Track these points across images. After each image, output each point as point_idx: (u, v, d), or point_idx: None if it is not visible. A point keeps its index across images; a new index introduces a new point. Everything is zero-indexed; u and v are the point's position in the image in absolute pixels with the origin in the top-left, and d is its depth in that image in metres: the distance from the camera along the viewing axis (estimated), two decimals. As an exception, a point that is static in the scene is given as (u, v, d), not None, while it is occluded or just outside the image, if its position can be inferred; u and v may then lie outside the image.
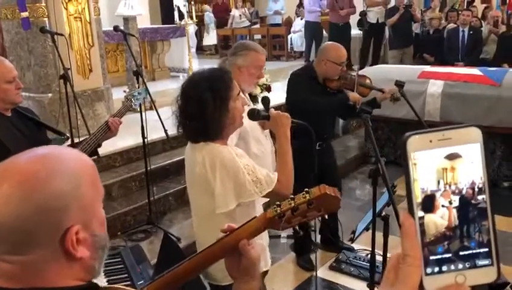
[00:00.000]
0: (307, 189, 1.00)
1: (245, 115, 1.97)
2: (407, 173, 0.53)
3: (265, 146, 2.47)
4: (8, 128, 2.14)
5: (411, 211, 0.53)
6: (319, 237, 3.75)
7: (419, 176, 0.53)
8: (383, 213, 2.24)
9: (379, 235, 2.45)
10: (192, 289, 1.79)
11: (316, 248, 3.72)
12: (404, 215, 0.53)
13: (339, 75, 3.35)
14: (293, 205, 0.99)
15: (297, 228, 1.05)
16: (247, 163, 1.81)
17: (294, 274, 3.54)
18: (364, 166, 5.53)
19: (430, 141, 0.53)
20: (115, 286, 0.94)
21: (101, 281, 1.85)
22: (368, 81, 3.52)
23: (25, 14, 3.96)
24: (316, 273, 2.68)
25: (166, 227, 3.87)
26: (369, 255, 3.49)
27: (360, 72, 4.21)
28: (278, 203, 1.02)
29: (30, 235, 0.74)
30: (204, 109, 1.76)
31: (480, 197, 0.53)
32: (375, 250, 2.51)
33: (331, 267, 3.47)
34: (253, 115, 1.99)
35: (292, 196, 1.01)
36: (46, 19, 4.39)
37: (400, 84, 2.97)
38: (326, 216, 1.06)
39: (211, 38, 12.98)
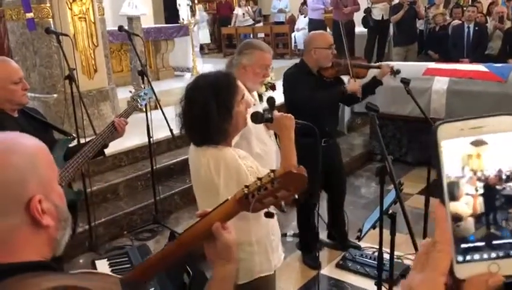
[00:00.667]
0: (273, 168, 1.03)
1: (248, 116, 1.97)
2: (437, 162, 0.53)
3: (269, 146, 2.46)
4: (15, 129, 2.14)
5: (442, 199, 0.53)
6: (325, 234, 3.76)
7: (446, 164, 0.53)
8: (390, 211, 2.23)
9: (386, 233, 2.44)
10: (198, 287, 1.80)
11: (322, 245, 3.73)
12: (435, 203, 0.54)
13: (332, 62, 3.31)
14: (259, 184, 1.01)
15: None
16: (251, 165, 1.81)
17: (300, 272, 3.53)
18: (369, 164, 5.52)
19: (461, 130, 0.53)
20: (92, 271, 0.97)
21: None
22: (362, 62, 3.51)
23: (30, 15, 3.98)
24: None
25: (172, 226, 3.88)
26: (375, 253, 3.50)
27: None
28: (246, 185, 1.04)
29: None
30: (208, 117, 1.76)
31: (507, 185, 0.52)
32: (382, 248, 2.51)
33: (338, 265, 3.46)
34: (256, 118, 1.98)
35: (259, 177, 1.03)
36: (50, 20, 4.40)
37: (405, 82, 2.95)
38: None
39: (204, 37, 12.96)
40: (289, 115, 1.96)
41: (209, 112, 1.75)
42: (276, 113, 1.98)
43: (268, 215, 1.11)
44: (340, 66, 3.34)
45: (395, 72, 3.25)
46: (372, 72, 3.50)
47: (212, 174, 1.80)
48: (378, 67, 3.33)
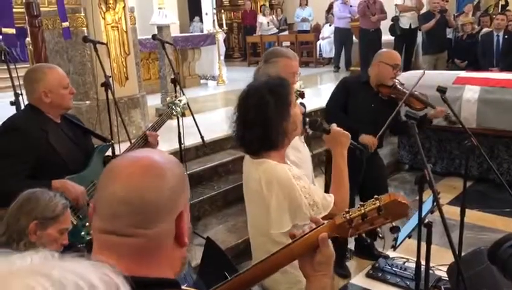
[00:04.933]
0: (376, 196, 0.99)
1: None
2: None
3: (303, 153, 2.45)
4: (59, 134, 2.21)
5: None
6: (353, 243, 3.73)
7: None
8: (426, 220, 2.20)
9: (413, 243, 2.40)
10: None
11: (351, 254, 3.70)
12: None
13: (394, 84, 3.33)
14: (362, 211, 0.99)
15: (364, 235, 1.06)
16: (304, 185, 1.75)
17: (329, 281, 3.51)
18: (397, 173, 5.47)
19: None
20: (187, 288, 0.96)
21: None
22: (424, 97, 3.41)
23: (65, 24, 4.09)
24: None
25: (201, 232, 3.89)
26: (406, 263, 3.46)
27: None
28: (347, 209, 1.02)
29: (160, 209, 0.81)
30: (266, 113, 1.71)
31: None
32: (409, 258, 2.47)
33: (368, 275, 3.42)
34: (314, 125, 1.94)
35: (362, 203, 1.01)
36: (84, 29, 4.53)
37: (441, 90, 2.93)
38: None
39: None
40: (346, 132, 1.90)
41: (266, 107, 1.71)
42: (334, 126, 1.91)
43: (364, 241, 1.10)
44: (398, 91, 3.33)
45: (449, 121, 3.19)
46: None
47: (263, 191, 1.75)
48: (433, 106, 3.28)
